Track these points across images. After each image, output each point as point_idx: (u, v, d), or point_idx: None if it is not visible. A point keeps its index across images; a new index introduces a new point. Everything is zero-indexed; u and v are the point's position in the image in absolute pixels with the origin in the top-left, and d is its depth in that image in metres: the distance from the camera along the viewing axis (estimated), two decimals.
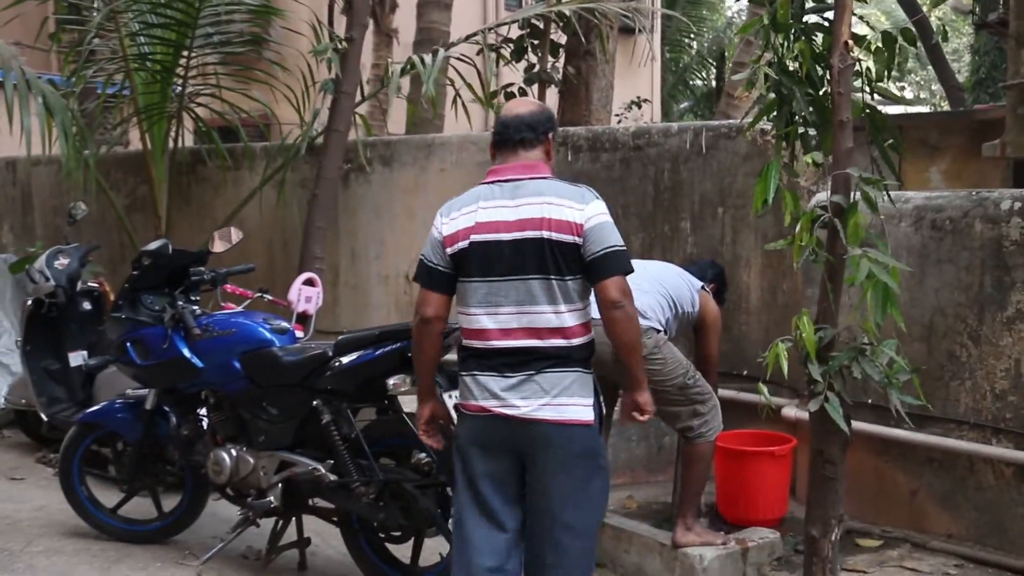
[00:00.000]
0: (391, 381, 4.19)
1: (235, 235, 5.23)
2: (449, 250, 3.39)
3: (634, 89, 16.62)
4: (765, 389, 3.91)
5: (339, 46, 6.80)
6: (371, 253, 7.69)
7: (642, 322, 4.20)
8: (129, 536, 5.13)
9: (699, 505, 4.91)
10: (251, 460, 4.55)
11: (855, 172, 3.78)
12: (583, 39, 7.54)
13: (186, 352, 4.67)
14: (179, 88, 7.44)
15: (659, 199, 6.35)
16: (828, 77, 3.85)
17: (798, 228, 3.84)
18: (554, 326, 3.34)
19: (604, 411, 3.58)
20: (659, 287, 4.72)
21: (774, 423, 5.38)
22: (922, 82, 35.54)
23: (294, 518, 4.64)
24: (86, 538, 5.19)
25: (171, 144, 7.62)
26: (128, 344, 4.83)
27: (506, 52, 7.79)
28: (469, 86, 7.65)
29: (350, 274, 7.80)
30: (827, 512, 3.91)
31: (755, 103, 4.08)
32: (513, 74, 8.05)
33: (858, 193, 3.81)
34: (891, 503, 5.27)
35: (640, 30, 7.56)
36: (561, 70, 8.05)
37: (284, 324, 4.79)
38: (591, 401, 3.40)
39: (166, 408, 4.87)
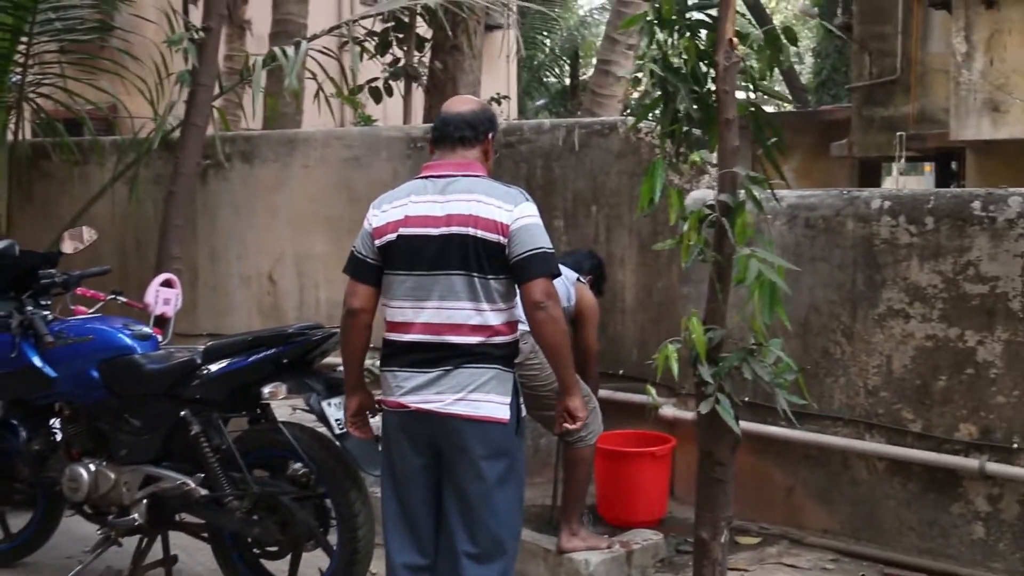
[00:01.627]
0: (266, 389, 3.97)
1: (88, 234, 4.89)
2: (378, 242, 3.38)
3: (492, 85, 16.54)
4: (653, 391, 3.86)
5: (196, 36, 6.46)
6: (232, 253, 7.38)
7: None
8: None
9: (583, 509, 4.83)
10: (112, 475, 4.25)
11: (742, 171, 3.74)
12: (450, 33, 7.39)
13: (37, 361, 4.33)
14: (18, 77, 6.95)
15: (532, 197, 6.23)
16: (713, 74, 3.81)
17: (686, 227, 3.78)
18: (475, 323, 3.33)
19: (523, 413, 3.52)
20: None
21: (652, 423, 5.35)
22: (768, 83, 36.71)
23: (160, 535, 4.35)
24: None
25: (11, 137, 7.12)
26: None
27: (370, 46, 7.56)
28: (332, 80, 7.41)
29: (210, 275, 7.47)
30: (716, 514, 3.87)
31: (638, 101, 4.01)
32: (378, 68, 7.83)
33: (743, 192, 3.78)
34: (769, 500, 5.30)
35: (505, 26, 7.47)
36: (428, 65, 7.87)
37: (146, 330, 4.50)
38: (508, 400, 3.37)
39: (14, 421, 4.50)
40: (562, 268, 4.72)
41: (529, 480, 5.80)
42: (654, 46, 3.84)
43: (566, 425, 3.56)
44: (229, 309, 7.43)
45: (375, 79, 7.60)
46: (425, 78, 7.96)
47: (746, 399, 5.12)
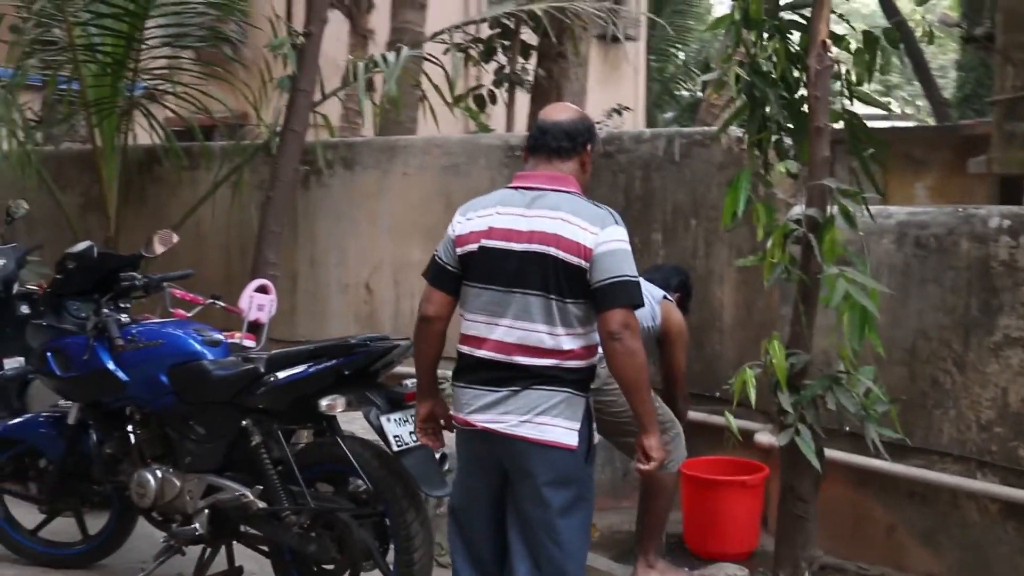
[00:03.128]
0: (324, 401, 3.84)
1: (169, 239, 4.86)
2: (459, 250, 3.28)
3: (617, 97, 16.32)
4: (731, 417, 3.60)
5: (296, 41, 6.44)
6: (331, 260, 7.34)
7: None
8: (50, 560, 4.75)
9: (661, 540, 4.58)
10: (177, 483, 4.19)
11: (832, 184, 3.47)
12: (554, 39, 7.21)
13: (110, 364, 4.30)
14: (130, 83, 7.06)
15: (629, 209, 6.01)
16: (804, 79, 3.55)
17: (770, 243, 3.53)
18: (548, 347, 3.18)
19: (595, 440, 3.34)
20: None
21: (746, 450, 5.06)
22: (908, 97, 35.43)
23: (224, 546, 4.27)
24: (2, 562, 4.81)
25: (123, 141, 7.24)
26: (49, 354, 4.47)
27: (476, 52, 7.44)
28: (436, 88, 7.31)
29: (309, 281, 7.44)
30: (797, 552, 3.61)
31: (725, 106, 3.76)
32: (486, 76, 7.70)
33: (835, 207, 3.50)
34: (867, 538, 4.94)
35: (625, 38, 7.24)
36: (532, 72, 7.70)
37: (217, 336, 4.43)
38: (578, 426, 3.21)
39: (90, 423, 4.50)
40: (648, 286, 4.52)
41: (616, 504, 5.63)
42: (740, 48, 3.60)
43: (639, 466, 3.29)
44: (327, 316, 7.39)
45: (480, 86, 7.46)
46: (530, 85, 7.78)
47: (846, 429, 4.81)
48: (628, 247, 3.19)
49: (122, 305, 4.57)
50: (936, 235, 4.70)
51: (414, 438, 3.80)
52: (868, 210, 3.68)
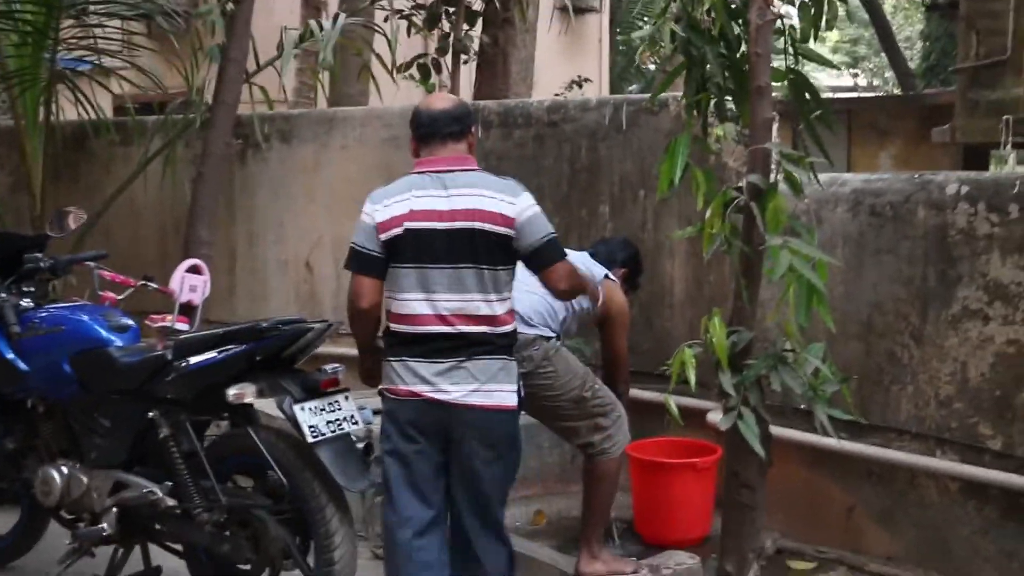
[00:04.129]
0: (232, 391, 3.56)
1: (78, 217, 4.55)
2: (383, 236, 3.42)
3: (579, 70, 15.99)
4: (671, 400, 3.35)
5: (226, 8, 6.11)
6: (269, 237, 7.03)
7: (527, 330, 3.94)
8: None
9: (608, 527, 4.35)
10: (84, 479, 3.90)
11: (775, 147, 3.21)
12: (499, 5, 6.90)
13: (7, 353, 4.01)
14: (51, 54, 6.69)
15: (575, 180, 5.76)
16: (746, 35, 3.28)
17: (709, 213, 3.28)
18: (484, 314, 3.40)
19: (523, 395, 3.55)
20: None
21: (699, 430, 4.83)
22: (875, 69, 35.30)
23: (140, 546, 3.99)
24: None
25: (46, 116, 6.86)
26: None
27: (419, 20, 7.12)
28: (378, 57, 7.01)
29: (247, 259, 7.13)
30: (743, 544, 3.37)
31: (658, 67, 3.50)
32: (428, 44, 7.38)
33: (780, 173, 3.25)
34: (825, 520, 4.73)
35: (587, 9, 6.92)
36: (477, 40, 7.39)
37: (126, 321, 4.14)
38: (515, 387, 3.47)
39: None
40: (589, 263, 4.26)
41: (565, 489, 5.38)
42: (675, 2, 3.32)
43: None
44: (266, 295, 7.09)
45: (423, 55, 7.14)
46: (475, 53, 7.46)
47: (802, 406, 4.58)
48: (539, 208, 3.48)
49: (25, 289, 4.26)
50: (892, 203, 4.47)
51: (332, 428, 3.55)
52: (815, 176, 3.42)
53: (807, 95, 3.37)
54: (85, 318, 4.04)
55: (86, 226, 7.10)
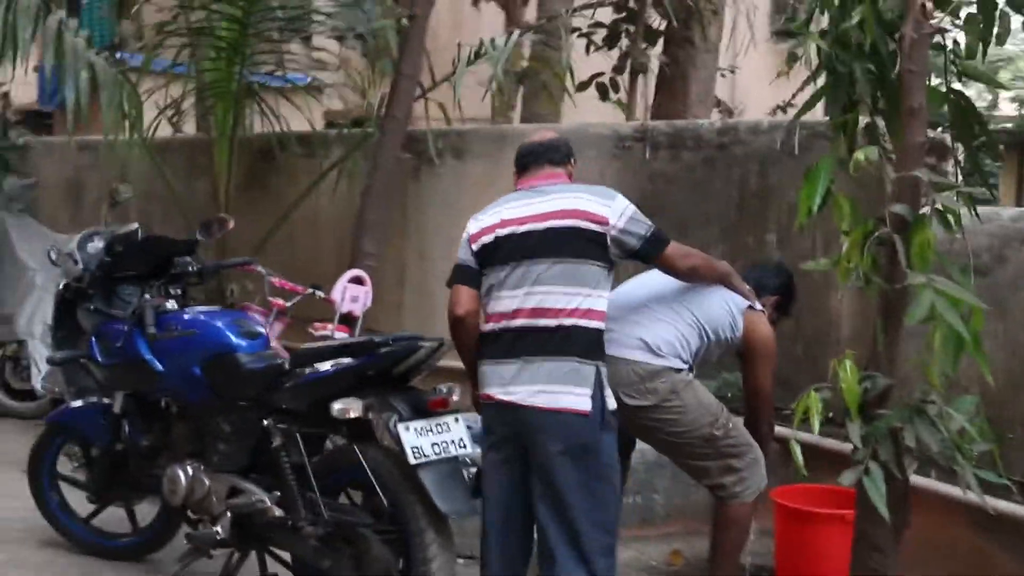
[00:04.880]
0: (336, 405, 3.49)
1: (225, 225, 4.62)
2: (474, 246, 3.54)
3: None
4: (797, 448, 3.06)
5: (400, 24, 6.15)
6: (438, 253, 7.02)
7: (656, 361, 3.78)
8: (101, 551, 4.58)
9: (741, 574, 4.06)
10: (206, 482, 3.93)
11: (924, 176, 2.89)
12: (675, 22, 6.66)
13: (145, 353, 4.09)
14: (241, 69, 6.91)
15: (744, 206, 5.49)
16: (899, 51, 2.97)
17: (846, 244, 2.98)
18: (562, 306, 3.37)
19: (608, 406, 3.40)
20: (683, 312, 3.85)
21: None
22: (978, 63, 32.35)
23: (256, 553, 3.98)
24: (58, 549, 4.68)
25: (232, 129, 7.11)
26: (93, 339, 4.30)
27: (599, 39, 6.98)
28: (556, 75, 6.90)
29: (417, 274, 7.15)
30: None
31: (804, 84, 3.23)
32: (606, 62, 7.21)
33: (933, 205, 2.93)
34: None
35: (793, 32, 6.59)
36: (656, 59, 7.16)
37: (257, 328, 4.15)
38: (589, 392, 3.34)
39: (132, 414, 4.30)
40: (727, 294, 3.95)
41: (708, 529, 5.10)
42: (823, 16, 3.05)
43: None
44: (434, 311, 7.04)
45: (601, 73, 6.98)
46: (649, 71, 7.24)
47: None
48: (634, 206, 3.52)
49: (173, 292, 4.35)
50: None
51: (437, 450, 3.43)
52: (974, 209, 3.06)
53: (969, 119, 3.02)
54: (218, 323, 4.07)
55: (269, 234, 7.36)
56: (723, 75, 10.33)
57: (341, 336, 6.05)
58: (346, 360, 3.58)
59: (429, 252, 7.12)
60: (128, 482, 4.46)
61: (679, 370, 3.80)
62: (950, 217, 2.93)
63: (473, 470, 3.57)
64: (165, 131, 8.49)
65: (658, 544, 4.85)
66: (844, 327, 5.06)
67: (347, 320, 6.28)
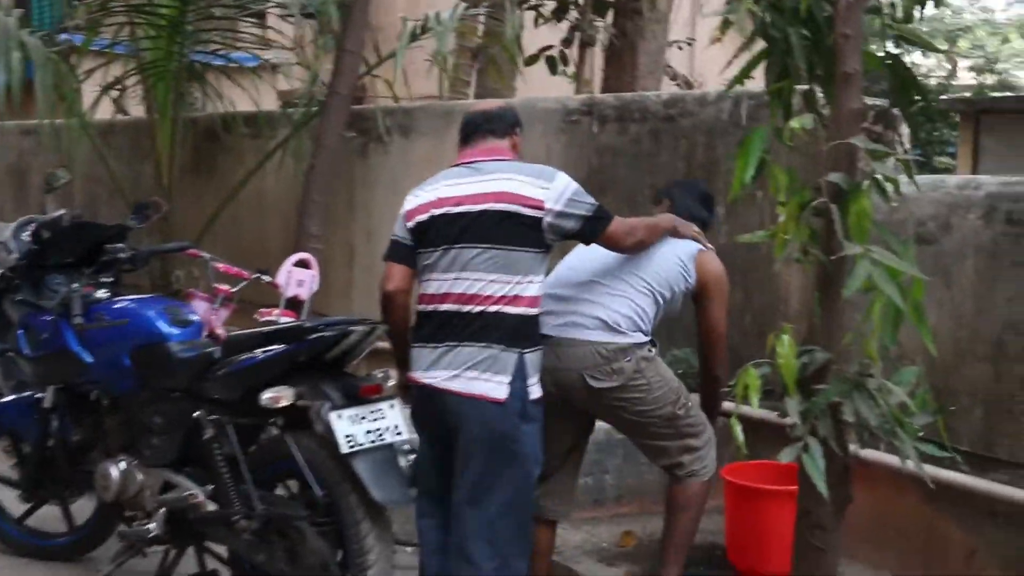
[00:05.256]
0: (265, 395, 3.38)
1: (159, 208, 4.49)
2: (410, 224, 3.51)
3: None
4: (738, 427, 2.97)
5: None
6: (386, 232, 6.80)
7: (618, 339, 3.67)
8: (34, 551, 4.45)
9: (687, 557, 3.99)
10: (139, 477, 3.81)
11: (861, 143, 2.81)
12: None
13: (73, 344, 3.96)
14: (182, 47, 6.74)
15: (691, 178, 5.39)
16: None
17: (783, 216, 2.90)
18: (488, 293, 3.35)
19: (530, 395, 3.39)
20: (634, 281, 3.71)
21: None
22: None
23: (194, 549, 3.87)
24: None
25: (174, 109, 6.95)
26: (20, 331, 4.16)
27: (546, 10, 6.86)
28: (505, 48, 6.78)
29: (365, 255, 7.03)
30: None
31: (738, 52, 3.13)
32: (552, 36, 7.08)
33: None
34: (944, 562, 4.23)
35: None
36: (606, 30, 7.04)
37: (190, 315, 4.03)
38: (508, 379, 3.32)
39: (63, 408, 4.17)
40: (676, 243, 3.83)
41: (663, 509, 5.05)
42: None
43: None
44: None
45: (550, 47, 6.86)
46: (601, 44, 7.12)
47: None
48: (577, 184, 3.46)
49: (104, 280, 4.21)
50: None
51: (372, 438, 3.33)
52: (912, 176, 2.99)
53: (907, 85, 2.94)
54: (149, 312, 3.94)
55: (214, 217, 7.21)
56: (680, 47, 10.25)
57: (287, 322, 5.93)
58: (276, 347, 3.47)
59: (377, 231, 6.99)
60: (61, 479, 4.33)
61: (642, 344, 3.70)
62: (888, 186, 2.85)
63: (412, 457, 3.48)
64: (111, 113, 8.33)
65: (609, 525, 4.78)
66: (793, 300, 4.99)
67: (294, 305, 6.15)
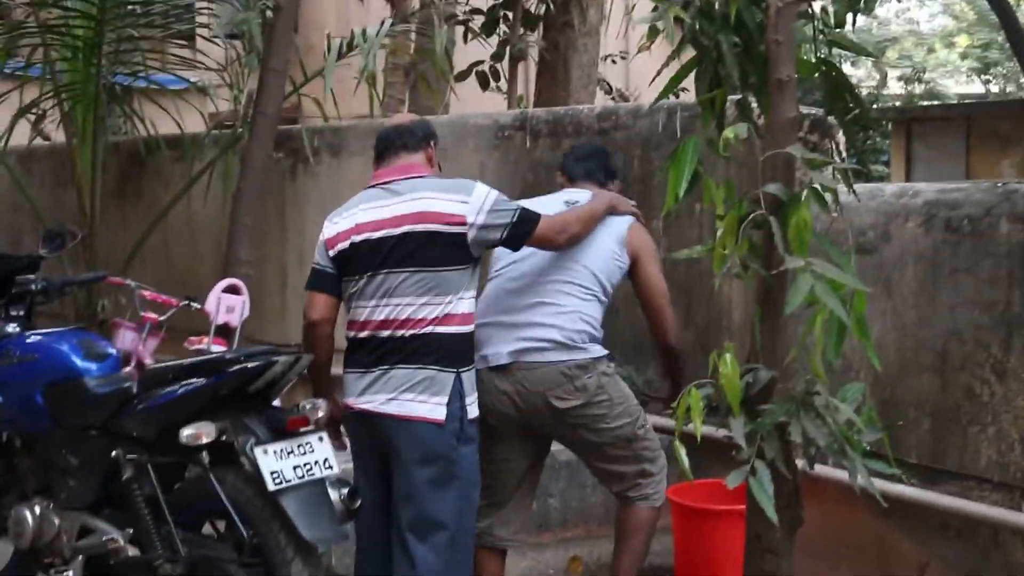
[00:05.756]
0: (186, 431, 3.19)
1: (73, 236, 4.29)
2: (331, 252, 3.44)
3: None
4: (682, 451, 2.85)
5: (265, 15, 5.83)
6: None
7: (577, 356, 3.58)
8: None
9: None
10: (56, 521, 3.60)
11: (797, 153, 2.71)
12: (552, 7, 6.46)
13: None
14: (99, 68, 6.52)
15: (627, 192, 5.24)
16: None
17: (720, 230, 2.80)
18: (419, 317, 3.29)
19: (468, 415, 3.34)
20: (574, 290, 3.61)
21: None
22: (1008, 74, 33.47)
23: None
24: None
25: (92, 132, 6.71)
26: None
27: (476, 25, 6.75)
28: (434, 63, 6.66)
29: (298, 278, 6.81)
30: None
31: (667, 61, 3.03)
32: (484, 51, 6.97)
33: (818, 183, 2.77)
34: None
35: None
36: (536, 45, 6.95)
37: (106, 348, 3.83)
38: (444, 400, 3.29)
39: None
40: (604, 239, 3.71)
41: (609, 533, 4.91)
42: None
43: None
44: None
45: (480, 62, 6.75)
46: (528, 58, 7.03)
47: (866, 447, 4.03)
48: (497, 192, 3.40)
49: (13, 313, 3.99)
50: (970, 216, 3.89)
51: (300, 473, 3.17)
52: (850, 185, 2.90)
53: (841, 91, 2.86)
54: (62, 346, 3.74)
55: (140, 243, 6.98)
56: (614, 61, 10.19)
57: (218, 350, 5.72)
58: (196, 380, 3.29)
59: (309, 254, 6.64)
60: None
61: (601, 359, 3.62)
62: (827, 196, 2.76)
63: (345, 491, 3.31)
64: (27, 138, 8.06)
65: (556, 551, 4.66)
66: (736, 315, 4.90)
67: (225, 332, 5.95)
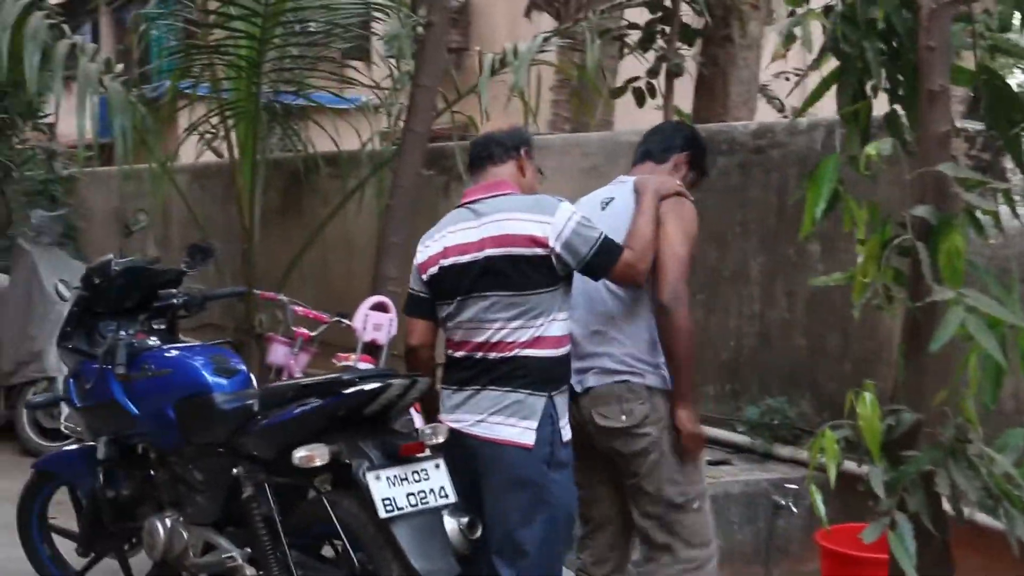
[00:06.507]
0: (299, 453, 3.13)
1: (211, 252, 4.33)
2: (424, 276, 3.40)
3: None
4: (819, 498, 2.60)
5: (415, 33, 5.81)
6: None
7: (634, 379, 3.34)
8: None
9: None
10: (185, 535, 3.62)
11: (951, 171, 2.44)
12: (710, 20, 6.22)
13: (118, 394, 3.80)
14: (258, 87, 6.65)
15: (783, 214, 5.03)
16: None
17: (862, 256, 2.55)
18: (507, 341, 3.22)
19: (561, 438, 3.24)
20: (619, 312, 3.39)
21: None
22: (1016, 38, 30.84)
23: None
24: None
25: (252, 148, 6.85)
26: (71, 380, 4.03)
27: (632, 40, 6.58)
28: (591, 81, 6.52)
29: None
30: None
31: (807, 71, 2.79)
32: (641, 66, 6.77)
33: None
34: None
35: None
36: (695, 59, 6.71)
37: (237, 365, 3.82)
38: (535, 424, 3.19)
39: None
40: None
41: (756, 571, 4.65)
42: None
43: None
44: None
45: (637, 78, 6.56)
46: (684, 72, 6.78)
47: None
48: (580, 216, 3.24)
49: (156, 326, 4.05)
50: None
51: (413, 501, 3.06)
52: (1013, 208, 2.60)
53: (1005, 102, 2.56)
54: (195, 361, 3.76)
55: (297, 258, 7.10)
56: (787, 78, 9.82)
57: (365, 367, 5.72)
58: (311, 401, 3.23)
59: None
60: (122, 532, 4.17)
61: (660, 391, 3.34)
62: (985, 219, 2.47)
63: (465, 520, 3.19)
64: (209, 156, 8.34)
65: None
66: (894, 347, 4.56)
67: (371, 349, 5.94)
